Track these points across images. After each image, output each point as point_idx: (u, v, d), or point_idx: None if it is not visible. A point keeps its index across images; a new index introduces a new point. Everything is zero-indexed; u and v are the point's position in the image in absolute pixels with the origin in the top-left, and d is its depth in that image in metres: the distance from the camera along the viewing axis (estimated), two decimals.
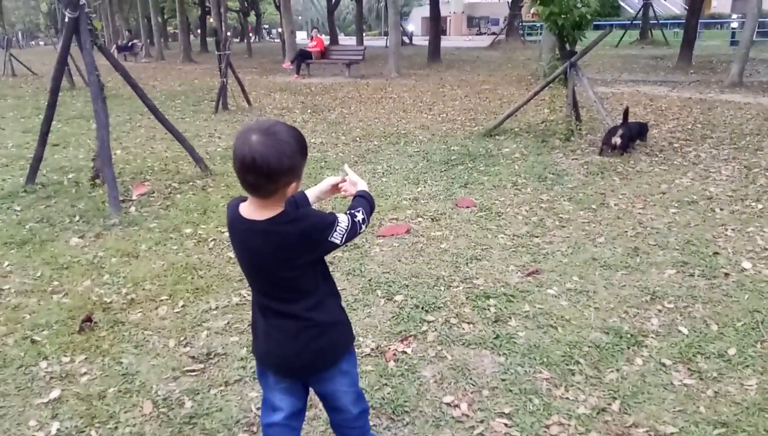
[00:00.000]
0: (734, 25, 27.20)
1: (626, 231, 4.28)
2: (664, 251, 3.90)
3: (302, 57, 17.01)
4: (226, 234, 1.57)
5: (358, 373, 1.89)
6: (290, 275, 1.58)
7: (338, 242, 1.60)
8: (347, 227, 1.61)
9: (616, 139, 6.37)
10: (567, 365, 2.66)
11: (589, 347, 2.80)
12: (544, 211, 4.76)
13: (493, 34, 37.72)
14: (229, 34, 12.20)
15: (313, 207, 1.83)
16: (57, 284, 3.62)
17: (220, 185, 5.67)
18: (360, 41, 27.39)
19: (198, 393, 2.54)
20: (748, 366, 2.62)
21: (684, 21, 19.49)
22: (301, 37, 36.75)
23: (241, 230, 1.59)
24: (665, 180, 5.53)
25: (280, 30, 27.03)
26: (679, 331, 2.92)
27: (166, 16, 41.70)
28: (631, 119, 6.79)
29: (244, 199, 1.60)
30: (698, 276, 3.53)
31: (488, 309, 3.18)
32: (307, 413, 2.11)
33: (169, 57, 28.30)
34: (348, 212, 1.66)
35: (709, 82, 12.69)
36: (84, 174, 5.97)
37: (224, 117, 9.89)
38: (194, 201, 5.17)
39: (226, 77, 10.22)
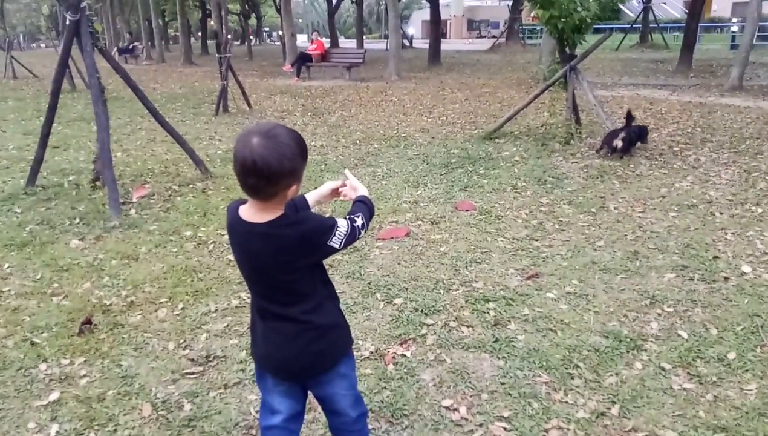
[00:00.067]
0: (734, 28, 27.19)
1: (626, 235, 4.28)
2: (663, 255, 3.90)
3: (302, 60, 17.03)
4: (226, 237, 1.57)
5: (357, 376, 1.89)
6: (289, 277, 1.59)
7: (337, 246, 1.60)
8: (346, 231, 1.61)
9: (618, 142, 6.37)
10: (566, 368, 2.66)
11: (588, 350, 2.80)
12: (543, 215, 4.76)
13: (494, 37, 37.75)
14: (229, 36, 12.23)
15: (312, 211, 1.83)
16: (57, 286, 3.63)
17: (220, 188, 5.68)
18: (360, 44, 27.47)
19: (197, 396, 2.54)
20: (747, 371, 2.62)
21: (684, 24, 19.51)
22: (302, 40, 36.84)
23: (240, 233, 1.59)
24: (665, 184, 5.54)
25: (280, 33, 27.08)
26: (679, 335, 2.92)
27: (167, 19, 41.78)
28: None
29: (244, 202, 1.60)
30: (698, 280, 3.53)
31: (487, 312, 3.18)
32: (306, 416, 2.11)
33: (170, 59, 28.35)
34: (347, 217, 1.66)
35: (709, 86, 12.70)
36: (84, 176, 5.97)
37: (224, 120, 9.90)
38: (194, 204, 5.18)
39: (227, 80, 10.23)
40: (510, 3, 31.44)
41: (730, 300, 3.26)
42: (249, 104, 10.93)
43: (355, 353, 2.61)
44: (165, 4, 35.66)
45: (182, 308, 3.31)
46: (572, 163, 6.38)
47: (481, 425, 2.31)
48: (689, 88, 12.62)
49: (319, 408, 2.00)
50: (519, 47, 28.80)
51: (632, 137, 6.49)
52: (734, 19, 32.11)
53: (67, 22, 4.98)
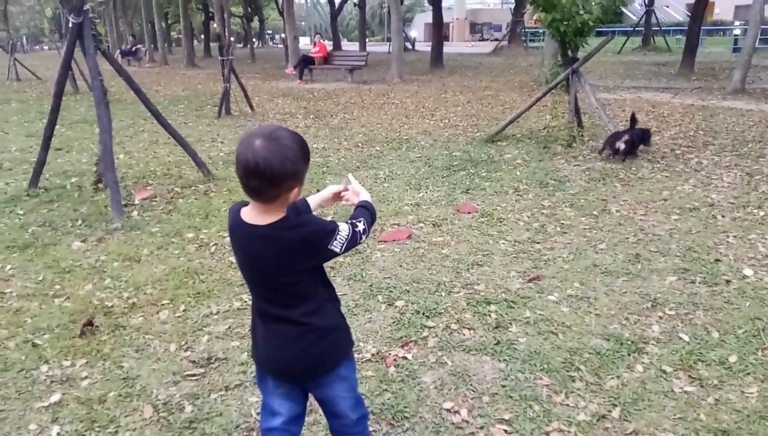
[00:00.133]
0: (737, 32, 27.13)
1: (627, 238, 4.28)
2: (665, 258, 3.90)
3: (305, 62, 17.06)
4: (228, 239, 1.58)
5: (358, 378, 1.89)
6: (290, 280, 1.59)
7: (338, 250, 1.60)
8: (347, 236, 1.62)
9: (620, 144, 6.37)
10: (567, 371, 2.66)
11: (589, 353, 2.80)
12: (545, 218, 4.76)
13: (496, 40, 37.81)
14: (232, 39, 12.27)
15: (314, 214, 1.84)
16: (59, 287, 3.63)
17: (222, 190, 5.69)
18: (363, 47, 27.44)
19: (198, 398, 2.54)
20: (749, 374, 2.61)
21: (686, 28, 19.49)
22: (304, 42, 36.89)
23: (242, 235, 1.59)
24: (667, 187, 5.53)
25: (283, 35, 27.14)
26: (680, 338, 2.92)
27: (169, 22, 41.89)
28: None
29: (246, 204, 1.60)
30: (699, 283, 3.53)
31: (489, 315, 3.18)
32: (306, 419, 2.12)
33: (173, 62, 28.45)
34: (349, 222, 1.67)
35: (712, 89, 12.69)
36: (87, 178, 5.99)
37: (227, 122, 9.93)
38: (196, 206, 5.19)
39: (229, 82, 10.25)
40: (512, 6, 31.46)
41: (732, 303, 3.26)
42: (251, 107, 10.95)
43: (356, 356, 2.62)
44: (168, 6, 35.79)
45: (184, 310, 3.32)
46: (574, 166, 6.38)
47: (482, 428, 2.31)
48: (691, 91, 12.60)
49: (320, 410, 2.00)
50: (521, 50, 28.78)
51: (635, 140, 6.49)
52: (737, 22, 32.05)
53: (70, 25, 5.00)
